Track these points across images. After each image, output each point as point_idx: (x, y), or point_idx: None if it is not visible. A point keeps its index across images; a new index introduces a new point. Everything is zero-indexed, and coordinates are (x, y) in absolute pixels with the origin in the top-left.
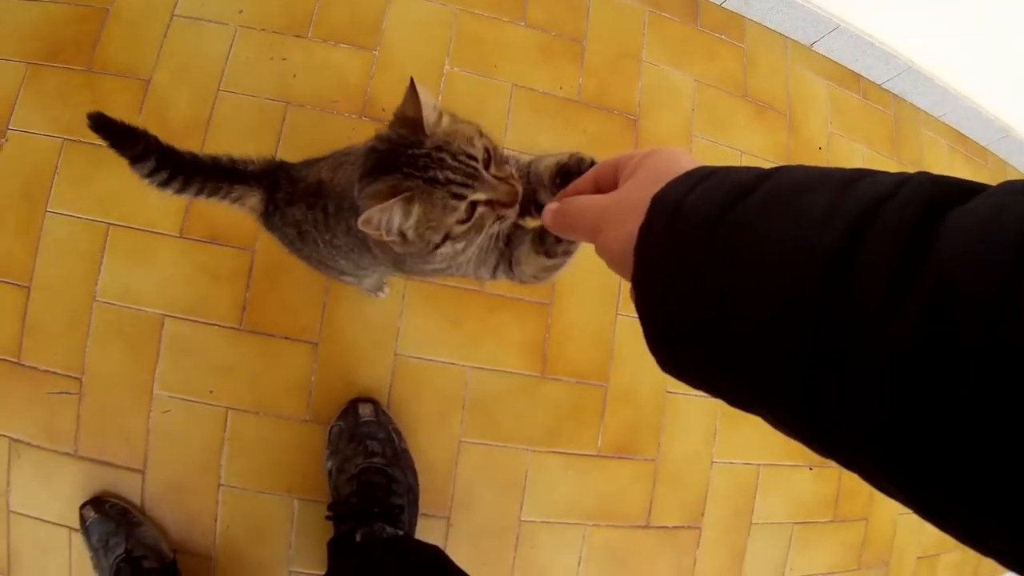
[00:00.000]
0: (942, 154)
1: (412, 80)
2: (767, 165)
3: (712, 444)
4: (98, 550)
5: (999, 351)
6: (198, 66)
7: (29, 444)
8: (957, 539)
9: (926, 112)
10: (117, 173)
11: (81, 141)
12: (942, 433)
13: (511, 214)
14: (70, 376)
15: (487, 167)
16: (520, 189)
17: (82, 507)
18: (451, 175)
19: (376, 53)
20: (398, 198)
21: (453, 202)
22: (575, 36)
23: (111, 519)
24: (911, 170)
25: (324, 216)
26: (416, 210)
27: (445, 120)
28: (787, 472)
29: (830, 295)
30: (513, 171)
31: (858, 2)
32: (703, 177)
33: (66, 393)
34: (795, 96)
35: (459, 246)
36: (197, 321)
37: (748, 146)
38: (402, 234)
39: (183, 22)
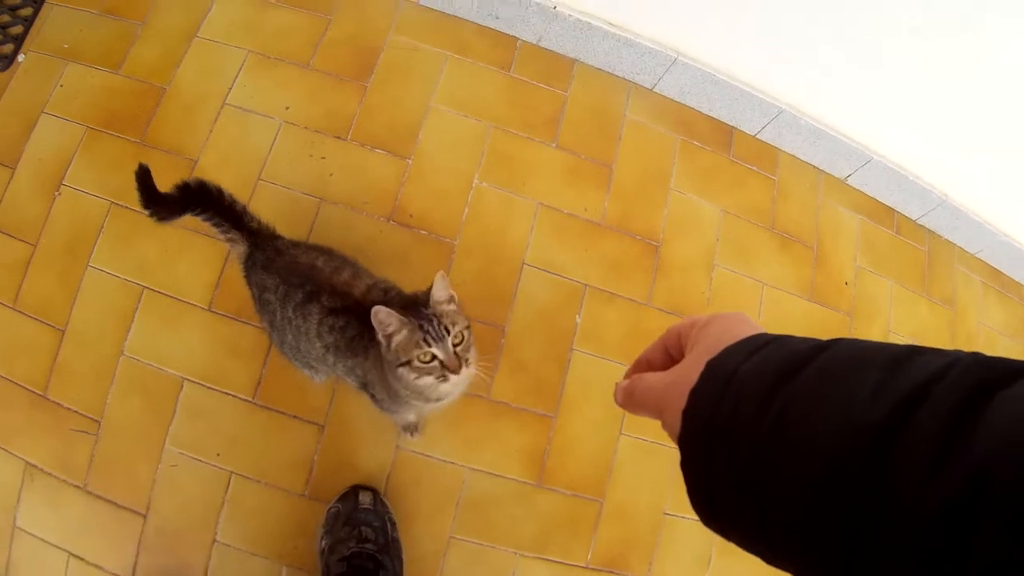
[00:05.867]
0: (975, 291)
1: (440, 273)
2: (789, 299)
3: (706, 570)
4: None
5: (1013, 563)
6: (242, 154)
7: (43, 470)
8: None
9: (961, 248)
10: (156, 243)
11: (127, 207)
12: None
13: (452, 379)
14: (90, 417)
15: (456, 345)
16: (463, 368)
17: None
18: (430, 329)
19: (409, 162)
20: (399, 316)
21: (423, 343)
22: (604, 160)
23: None
24: (942, 308)
25: (300, 298)
26: (404, 331)
27: (452, 306)
28: None
29: (872, 471)
30: (470, 358)
31: (890, 134)
32: (761, 346)
33: (84, 432)
34: (824, 229)
35: (412, 376)
36: (214, 388)
37: (771, 278)
38: (388, 339)
39: (233, 111)
